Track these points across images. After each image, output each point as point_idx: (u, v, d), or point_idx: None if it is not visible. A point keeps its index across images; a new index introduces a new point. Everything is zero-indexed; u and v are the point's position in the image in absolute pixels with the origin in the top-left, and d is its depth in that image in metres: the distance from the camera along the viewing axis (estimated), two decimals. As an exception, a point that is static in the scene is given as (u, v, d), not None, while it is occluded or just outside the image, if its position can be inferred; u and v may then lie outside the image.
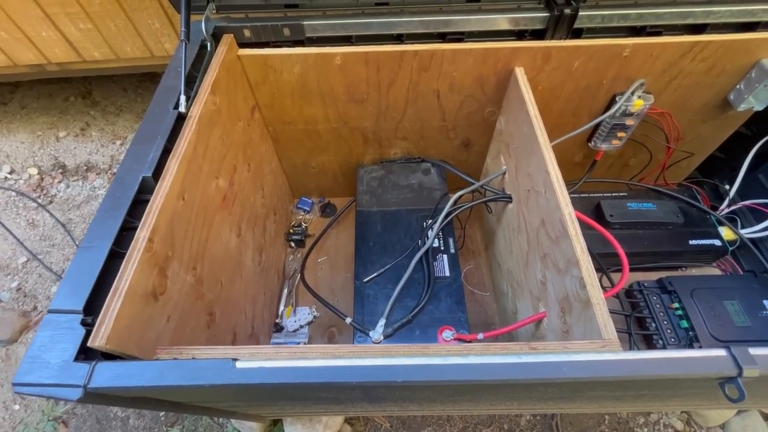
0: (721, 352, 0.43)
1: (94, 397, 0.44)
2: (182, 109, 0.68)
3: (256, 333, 0.96)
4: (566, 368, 0.43)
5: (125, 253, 0.52)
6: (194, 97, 0.71)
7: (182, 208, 0.63)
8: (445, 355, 0.47)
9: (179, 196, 0.62)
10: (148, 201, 0.57)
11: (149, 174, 0.60)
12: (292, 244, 1.26)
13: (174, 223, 0.61)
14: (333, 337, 1.11)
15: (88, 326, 0.47)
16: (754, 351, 0.43)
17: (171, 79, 0.73)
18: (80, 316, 0.47)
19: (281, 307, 1.13)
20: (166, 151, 0.63)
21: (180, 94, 0.69)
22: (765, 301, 0.92)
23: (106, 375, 0.44)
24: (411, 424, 1.15)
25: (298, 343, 1.07)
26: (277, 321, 1.11)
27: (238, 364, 0.44)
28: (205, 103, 0.72)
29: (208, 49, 0.79)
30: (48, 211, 1.61)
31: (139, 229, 0.54)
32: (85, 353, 0.46)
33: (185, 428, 1.18)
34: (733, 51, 0.84)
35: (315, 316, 1.12)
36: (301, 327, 1.11)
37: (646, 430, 1.11)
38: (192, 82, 0.73)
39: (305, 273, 1.17)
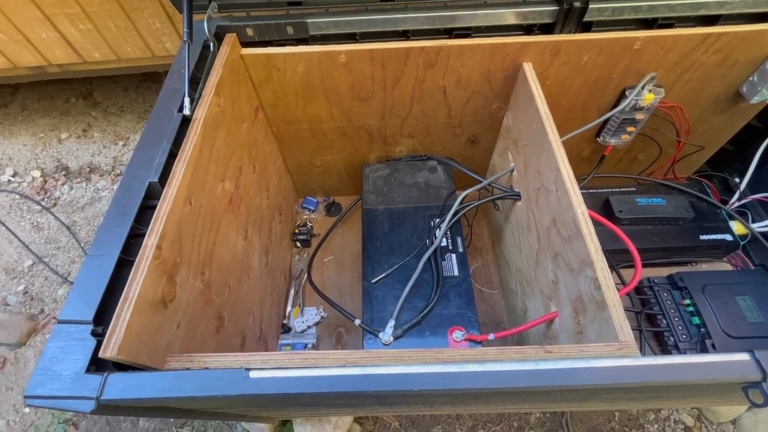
0: (744, 356, 0.42)
1: (106, 408, 0.43)
2: (186, 111, 0.67)
3: (264, 335, 0.96)
4: (585, 375, 0.42)
5: (134, 261, 0.51)
6: (198, 98, 0.70)
7: (189, 213, 0.63)
8: (461, 361, 0.46)
9: (186, 200, 0.62)
10: (155, 207, 0.56)
11: (155, 179, 0.59)
12: (298, 244, 1.26)
13: (182, 229, 0.60)
14: (341, 338, 1.10)
15: (99, 336, 0.46)
16: (777, 354, 0.42)
17: (174, 81, 0.72)
18: (90, 327, 0.47)
19: (288, 308, 1.13)
20: (172, 155, 0.63)
21: (184, 96, 0.68)
22: (778, 296, 0.91)
23: (119, 386, 0.43)
24: (420, 423, 1.15)
25: (306, 344, 1.07)
26: (284, 322, 1.10)
27: (251, 374, 0.44)
28: (210, 104, 0.70)
29: (211, 49, 0.78)
30: (52, 214, 1.60)
31: (147, 236, 0.53)
32: (96, 364, 0.46)
33: (195, 429, 1.18)
34: (747, 42, 0.82)
35: (323, 317, 1.12)
36: (309, 327, 1.10)
37: (656, 426, 1.11)
38: (195, 83, 0.72)
39: (312, 273, 1.16)
